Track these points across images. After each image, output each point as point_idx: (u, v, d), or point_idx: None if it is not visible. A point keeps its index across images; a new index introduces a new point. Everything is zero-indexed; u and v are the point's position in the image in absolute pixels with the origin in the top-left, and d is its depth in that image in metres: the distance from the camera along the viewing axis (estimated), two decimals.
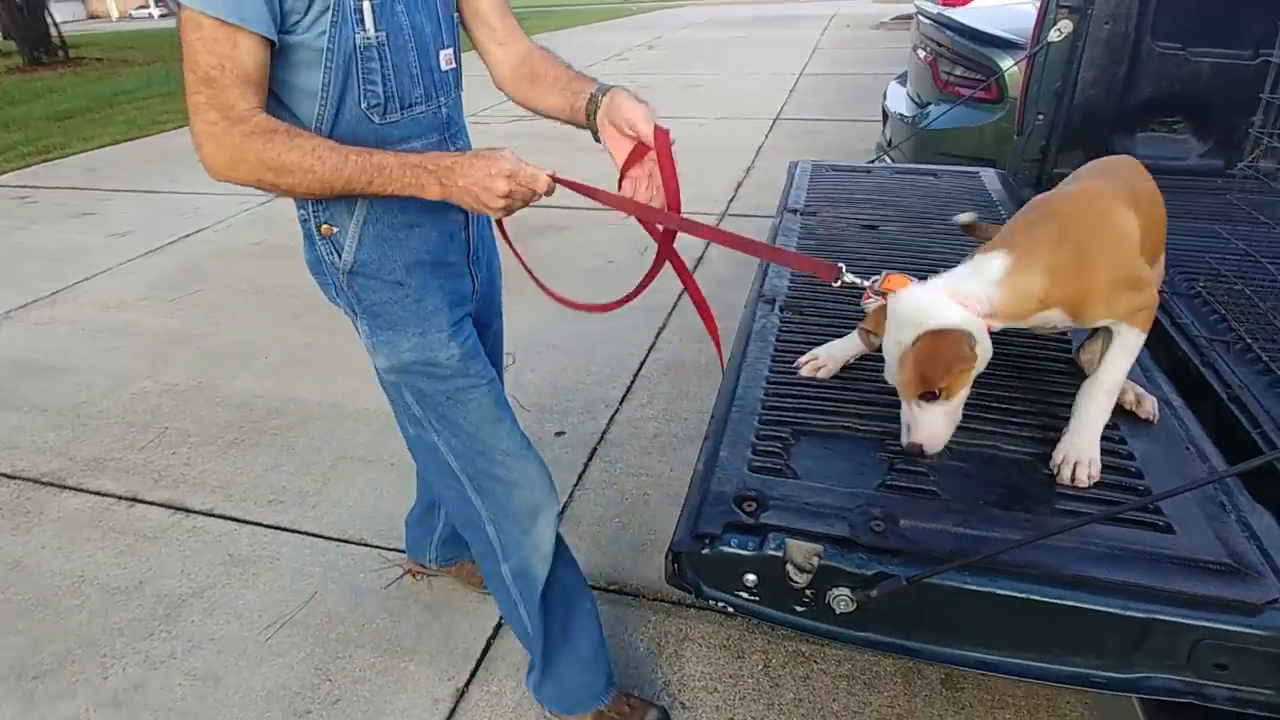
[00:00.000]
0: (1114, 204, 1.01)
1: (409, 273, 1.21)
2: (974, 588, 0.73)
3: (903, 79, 4.15)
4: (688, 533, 0.81)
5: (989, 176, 2.04)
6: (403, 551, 2.06)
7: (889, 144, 3.68)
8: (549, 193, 1.11)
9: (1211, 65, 1.67)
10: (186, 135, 1.04)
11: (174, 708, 1.69)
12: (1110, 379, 0.99)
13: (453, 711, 1.65)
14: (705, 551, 0.79)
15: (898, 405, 0.93)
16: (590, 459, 2.40)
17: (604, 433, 2.52)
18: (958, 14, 3.15)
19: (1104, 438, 0.92)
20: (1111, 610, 0.70)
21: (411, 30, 1.10)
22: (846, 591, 0.75)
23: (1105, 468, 0.90)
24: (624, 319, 3.06)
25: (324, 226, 1.16)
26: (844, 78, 8.67)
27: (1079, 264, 0.94)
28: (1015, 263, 0.93)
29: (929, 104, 3.55)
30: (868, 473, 0.89)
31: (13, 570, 2.11)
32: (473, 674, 1.73)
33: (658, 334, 3.12)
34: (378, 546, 2.10)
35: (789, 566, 0.76)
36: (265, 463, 2.47)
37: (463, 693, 1.68)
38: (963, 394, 0.91)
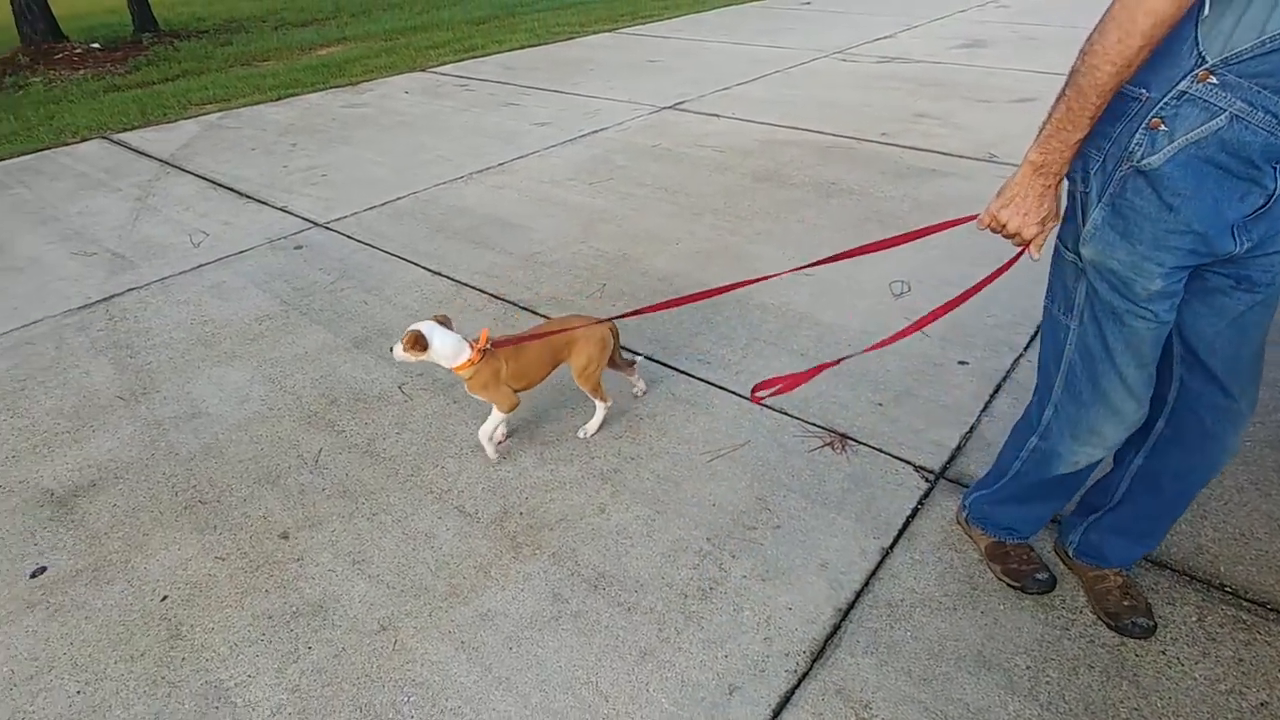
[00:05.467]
0: None
1: (1185, 207, 1.17)
2: None
3: None
4: None
5: None
6: (820, 426, 2.32)
7: None
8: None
9: None
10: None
11: (646, 492, 2.12)
12: None
13: (879, 565, 1.87)
14: None
15: None
16: (996, 392, 2.46)
17: (1009, 371, 2.56)
18: None
19: None
20: None
21: None
22: None
23: None
24: (1025, 271, 3.02)
25: (1155, 120, 1.14)
26: None
27: None
28: None
29: None
30: None
31: None
32: (895, 540, 1.93)
33: None
34: (796, 418, 2.38)
35: None
36: (689, 329, 2.87)
37: (887, 552, 1.90)
38: None
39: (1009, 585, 1.79)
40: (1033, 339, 2.73)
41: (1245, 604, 1.75)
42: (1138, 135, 1.17)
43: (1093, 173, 1.26)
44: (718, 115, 5.54)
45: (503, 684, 1.62)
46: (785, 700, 1.57)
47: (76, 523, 2.11)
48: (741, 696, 1.58)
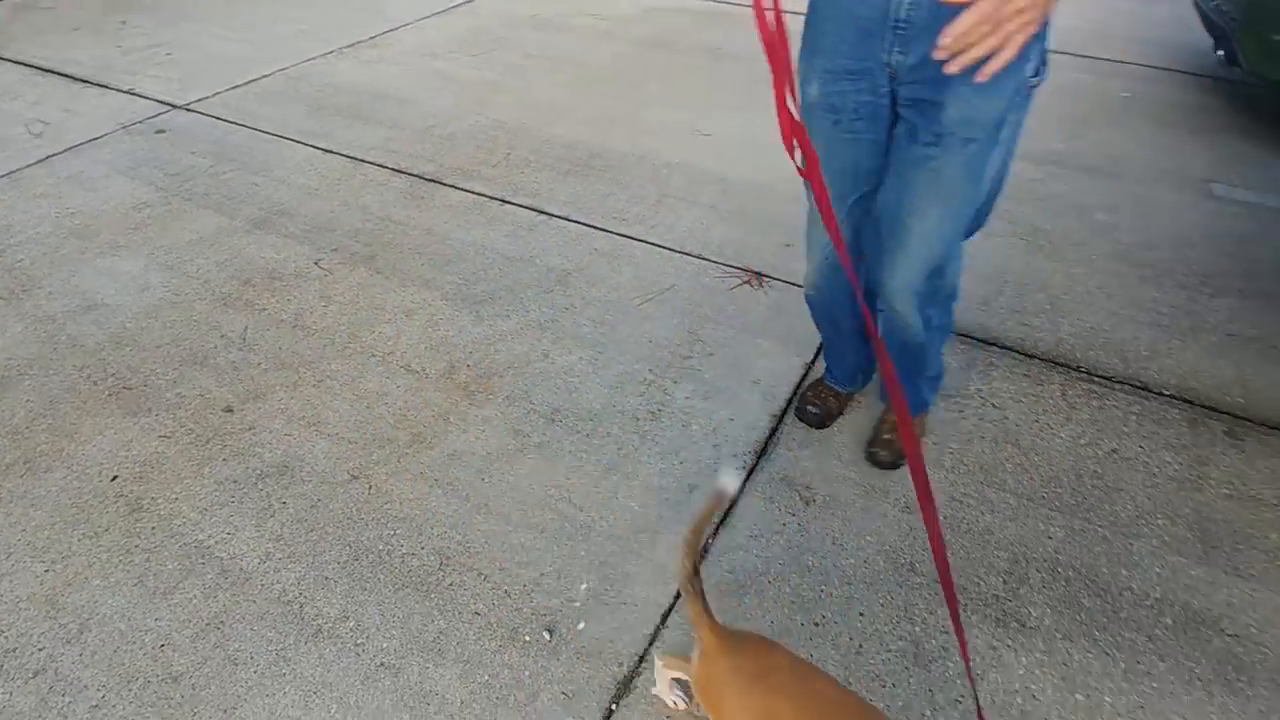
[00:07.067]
0: None
1: None
2: None
3: None
4: None
5: None
6: (738, 266, 2.49)
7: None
8: None
9: None
10: None
11: (583, 336, 2.23)
12: None
13: (803, 377, 2.10)
14: None
15: None
16: None
17: None
18: None
19: None
20: None
21: None
22: None
23: None
24: None
25: None
26: None
27: None
28: None
29: None
30: None
31: (428, 234, 2.69)
32: (815, 356, 2.16)
33: None
34: (715, 261, 2.53)
35: None
36: (601, 190, 2.93)
37: (810, 366, 2.13)
38: None
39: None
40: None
41: (1097, 379, 2.12)
42: None
43: None
44: None
45: (482, 509, 1.74)
46: (739, 491, 1.78)
47: None
48: (701, 493, 1.78)
